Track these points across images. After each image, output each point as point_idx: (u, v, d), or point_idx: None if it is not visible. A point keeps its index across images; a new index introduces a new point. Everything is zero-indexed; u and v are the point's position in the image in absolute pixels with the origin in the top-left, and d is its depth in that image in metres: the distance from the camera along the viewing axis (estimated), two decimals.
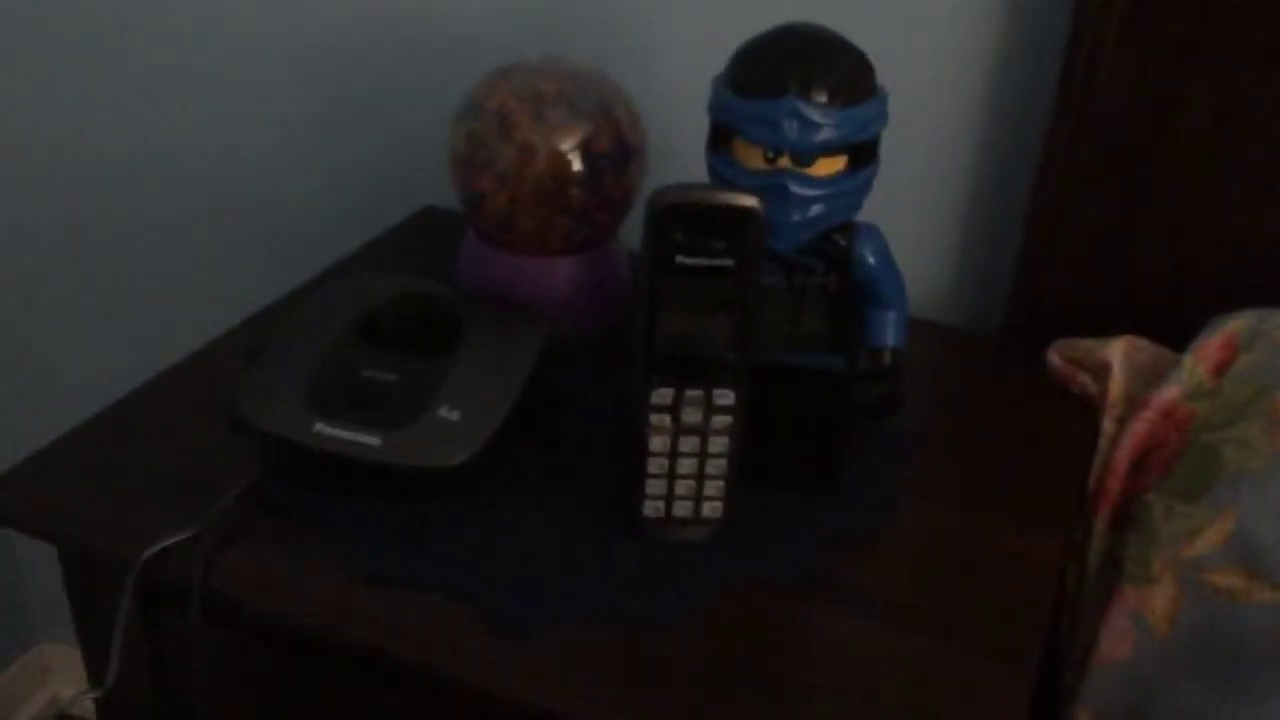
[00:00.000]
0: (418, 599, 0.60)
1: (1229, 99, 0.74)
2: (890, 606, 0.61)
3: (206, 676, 0.63)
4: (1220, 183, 0.77)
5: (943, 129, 0.88)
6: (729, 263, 0.56)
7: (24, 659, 1.49)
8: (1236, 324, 0.73)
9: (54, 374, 1.31)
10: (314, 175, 1.08)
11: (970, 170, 0.89)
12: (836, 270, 0.66)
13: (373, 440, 0.62)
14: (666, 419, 0.59)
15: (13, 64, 1.15)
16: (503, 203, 0.74)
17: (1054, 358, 0.79)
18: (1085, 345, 0.78)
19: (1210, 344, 0.73)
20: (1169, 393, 0.72)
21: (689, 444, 0.60)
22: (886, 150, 0.65)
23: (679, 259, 0.56)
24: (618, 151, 0.74)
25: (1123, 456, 0.73)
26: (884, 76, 0.64)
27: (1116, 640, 0.68)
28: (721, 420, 0.60)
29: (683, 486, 0.61)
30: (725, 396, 0.59)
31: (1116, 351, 0.76)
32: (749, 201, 0.55)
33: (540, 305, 0.74)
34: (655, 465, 0.61)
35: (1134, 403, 0.74)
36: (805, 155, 0.62)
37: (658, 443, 0.60)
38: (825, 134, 0.61)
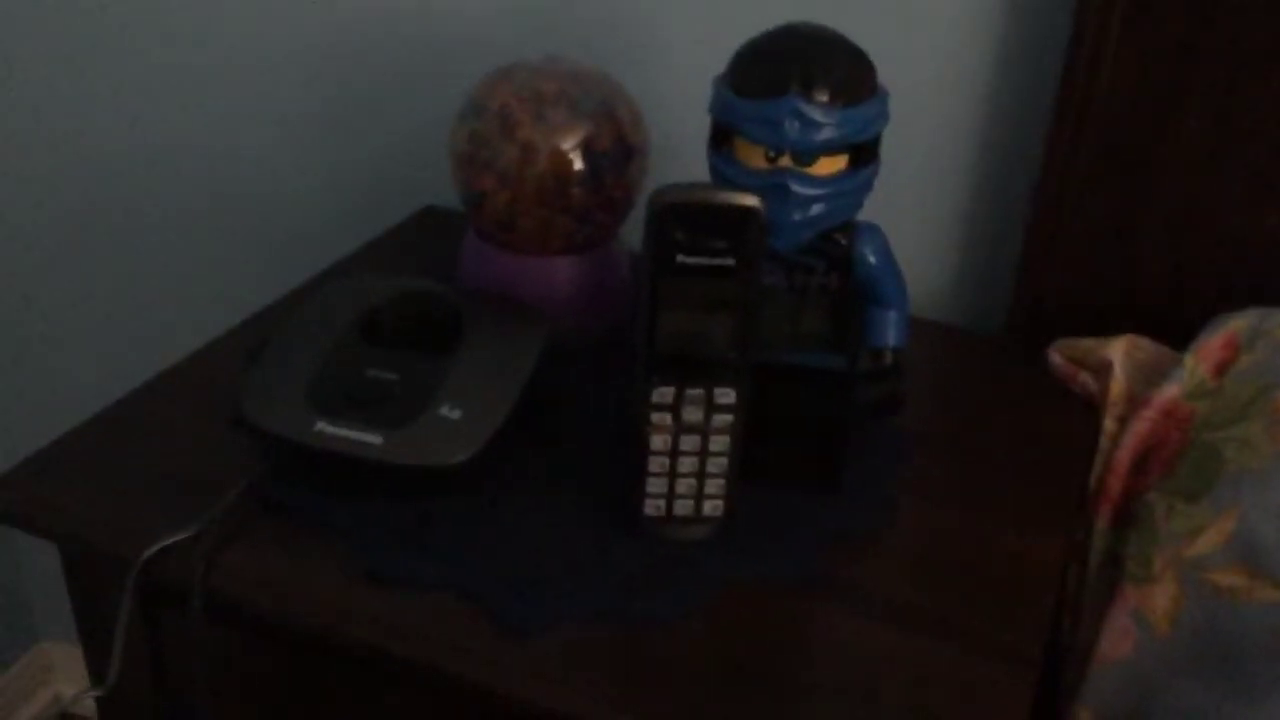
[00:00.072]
0: (419, 598, 0.60)
1: (1229, 99, 0.74)
2: (891, 606, 0.61)
3: (207, 675, 0.63)
4: (1221, 183, 0.76)
5: (943, 128, 0.88)
6: (730, 262, 0.56)
7: (26, 658, 1.49)
8: (1238, 323, 0.73)
9: (54, 374, 1.31)
10: (314, 174, 1.08)
11: (971, 169, 0.89)
12: (837, 270, 0.66)
13: (374, 439, 0.62)
14: (668, 418, 0.60)
15: (12, 64, 1.15)
16: (504, 202, 0.74)
17: (1055, 357, 0.79)
18: (1086, 344, 0.78)
19: (1211, 343, 0.73)
20: (1170, 392, 0.72)
21: (690, 443, 0.60)
22: (887, 149, 0.65)
23: (680, 258, 0.56)
24: (619, 151, 0.74)
25: (1124, 455, 0.73)
26: (885, 76, 0.64)
27: (1117, 639, 0.68)
28: (722, 419, 0.60)
29: (684, 485, 0.61)
30: (726, 395, 0.59)
31: (1118, 350, 0.76)
32: (750, 201, 0.55)
33: (541, 305, 0.74)
34: (656, 464, 0.61)
35: (1135, 402, 0.74)
36: (806, 155, 0.62)
37: (659, 441, 0.60)
38: (826, 133, 0.61)
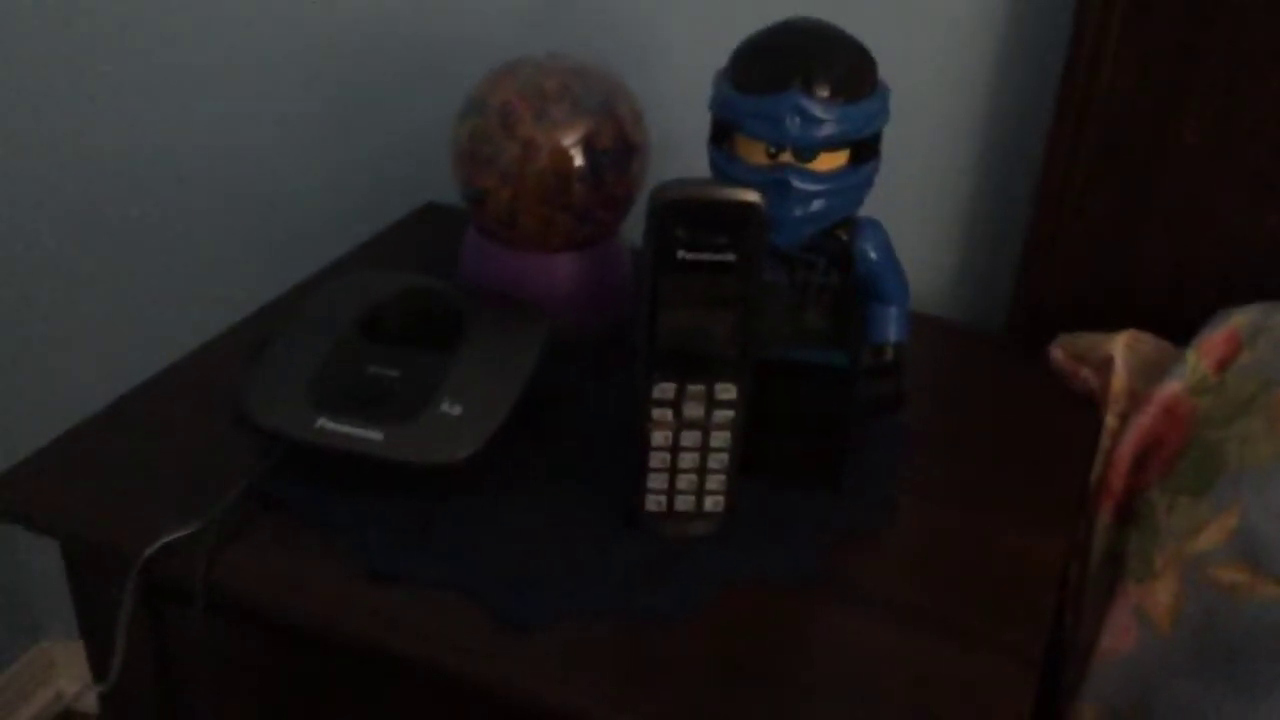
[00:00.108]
0: (420, 595, 0.60)
1: (1229, 99, 0.74)
2: (892, 604, 0.61)
3: (209, 672, 0.63)
4: (1221, 182, 0.76)
5: (945, 125, 0.88)
6: (731, 258, 0.56)
7: (28, 655, 1.49)
8: (1240, 319, 0.73)
9: (55, 373, 1.31)
10: (315, 171, 1.08)
11: (972, 166, 0.89)
12: (838, 266, 0.66)
13: (375, 436, 0.62)
14: (669, 413, 0.59)
15: (12, 63, 1.15)
16: (505, 199, 0.74)
17: (1056, 353, 0.79)
18: (1088, 340, 0.78)
19: (1213, 339, 0.73)
20: (1171, 387, 0.72)
21: (691, 438, 0.60)
22: (888, 146, 0.65)
23: (681, 254, 0.56)
24: (620, 148, 0.74)
25: (1125, 452, 0.73)
26: (886, 72, 0.64)
27: (1119, 636, 0.67)
28: (723, 415, 0.60)
29: (685, 481, 0.61)
30: (727, 391, 0.59)
31: (1119, 346, 0.76)
32: (751, 197, 0.55)
33: (542, 302, 0.74)
34: (657, 460, 0.61)
35: (1136, 398, 0.74)
36: (807, 150, 0.62)
37: (660, 437, 0.60)
38: (827, 129, 0.61)
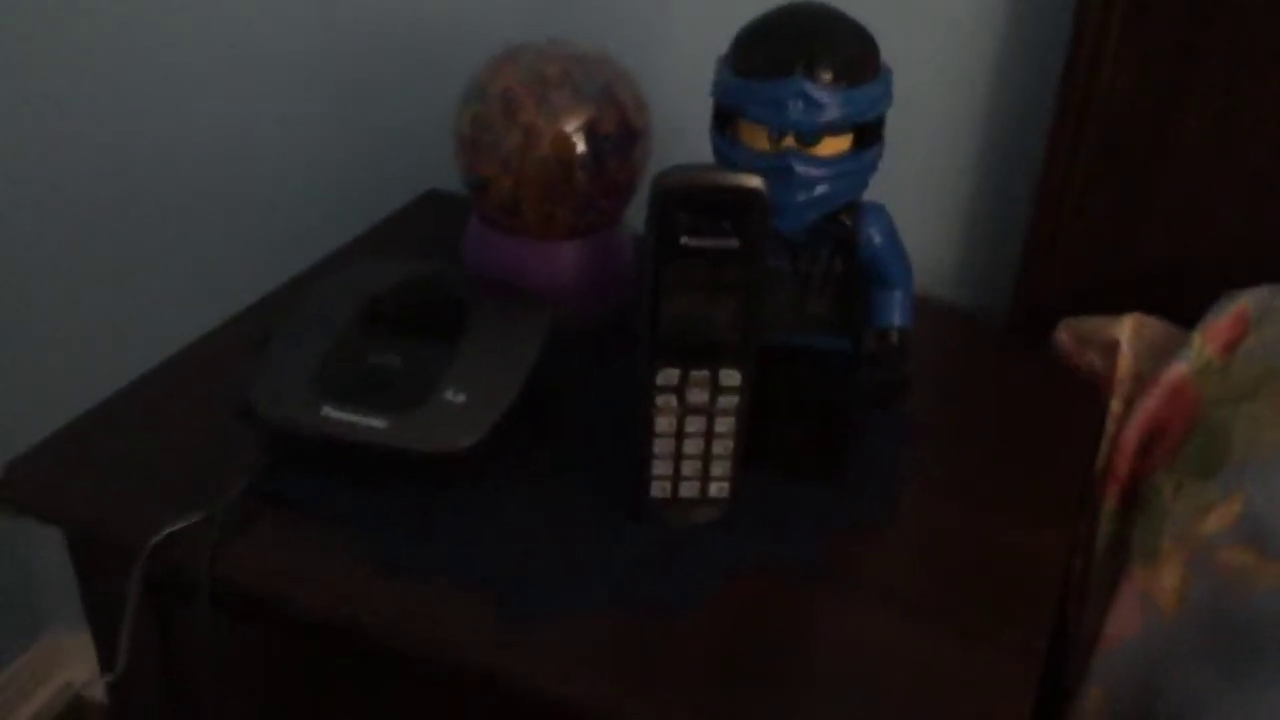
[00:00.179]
0: (425, 585, 0.60)
1: (1230, 99, 0.74)
2: (895, 597, 0.61)
3: (214, 661, 0.63)
4: (1221, 182, 0.76)
5: (949, 108, 0.87)
6: (734, 244, 0.55)
7: (37, 645, 1.50)
8: (1247, 301, 0.73)
9: (58, 364, 1.31)
10: (317, 160, 1.08)
11: (972, 164, 0.88)
12: (842, 251, 0.65)
13: (379, 424, 0.62)
14: (672, 400, 0.59)
15: (12, 60, 1.15)
16: (507, 187, 0.74)
17: (1062, 336, 0.79)
18: (1093, 323, 0.78)
19: (1220, 321, 0.73)
20: (1177, 370, 0.72)
21: (695, 424, 0.60)
22: (892, 130, 0.65)
23: (683, 240, 0.55)
24: (622, 134, 0.74)
25: (1131, 435, 0.72)
26: (889, 55, 0.64)
27: (1125, 621, 0.67)
28: (727, 401, 0.59)
29: (689, 467, 0.61)
30: (731, 377, 0.59)
31: (1125, 329, 0.76)
32: (754, 182, 0.55)
33: (545, 289, 0.73)
34: (661, 446, 0.61)
35: (1142, 381, 0.74)
36: (810, 135, 0.61)
37: (663, 424, 0.60)
38: (830, 114, 0.61)
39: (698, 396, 0.59)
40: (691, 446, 0.61)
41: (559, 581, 0.60)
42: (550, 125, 0.72)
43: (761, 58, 0.61)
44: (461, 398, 0.64)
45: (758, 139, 0.62)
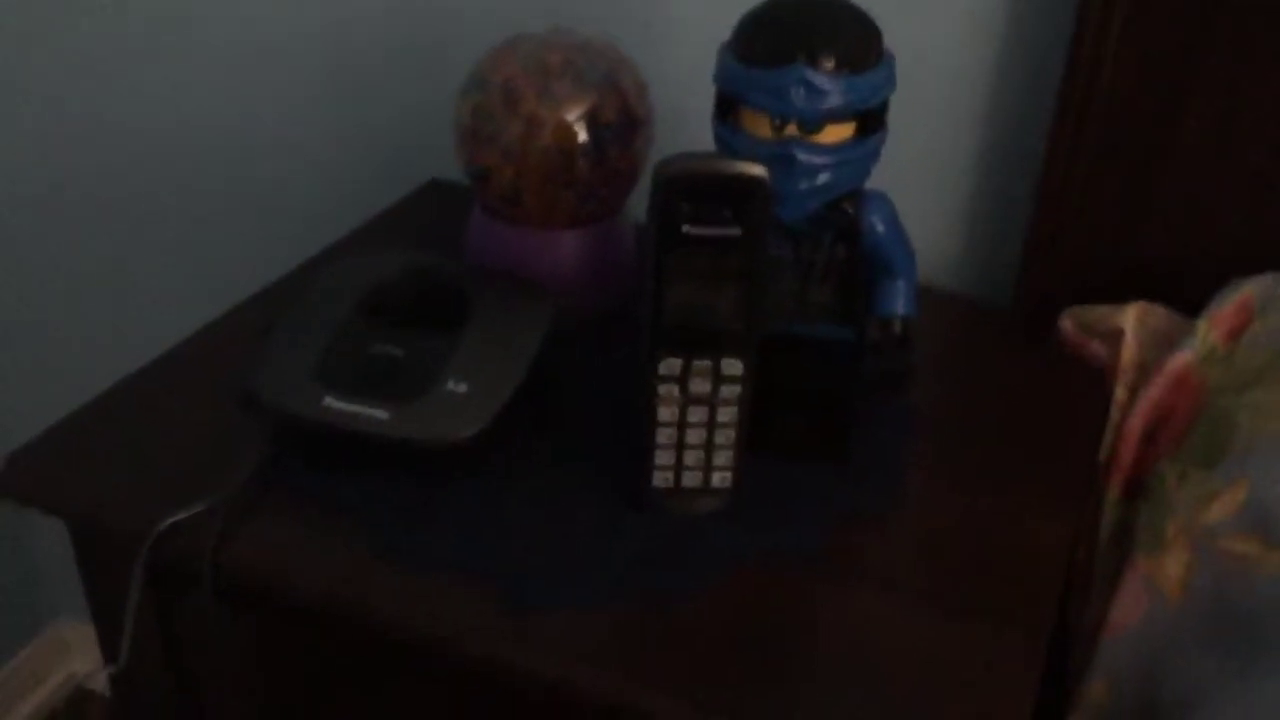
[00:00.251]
0: (427, 576, 0.59)
1: (1231, 100, 0.74)
2: (899, 585, 0.61)
3: (218, 652, 0.63)
4: (1222, 182, 0.76)
5: (952, 95, 0.87)
6: (736, 232, 0.55)
7: (41, 636, 1.50)
8: (1251, 289, 0.73)
9: (62, 353, 1.31)
10: (318, 150, 1.08)
11: (981, 136, 0.88)
12: (845, 239, 0.65)
13: (381, 414, 0.62)
14: (675, 389, 0.59)
15: (12, 60, 1.14)
16: (509, 177, 0.74)
17: (1066, 325, 0.79)
18: (1098, 312, 0.78)
19: (1224, 309, 0.73)
20: (1182, 358, 0.72)
21: (698, 414, 0.60)
22: (895, 117, 0.64)
23: (686, 229, 0.55)
24: (624, 123, 0.74)
25: (1135, 424, 0.72)
26: (892, 40, 0.64)
27: (1129, 609, 0.67)
28: (730, 390, 0.59)
29: (691, 457, 0.61)
30: (733, 366, 0.59)
31: (1129, 317, 0.76)
32: (756, 170, 0.55)
33: (547, 279, 0.73)
34: (664, 436, 0.61)
35: (1146, 370, 0.74)
36: (812, 123, 0.61)
37: (666, 413, 0.60)
38: (833, 101, 0.60)
39: (700, 386, 0.59)
40: (694, 436, 0.61)
41: (561, 572, 0.60)
42: (552, 114, 0.72)
43: (763, 45, 0.61)
44: (463, 388, 0.64)
45: (760, 126, 0.62)
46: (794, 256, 0.65)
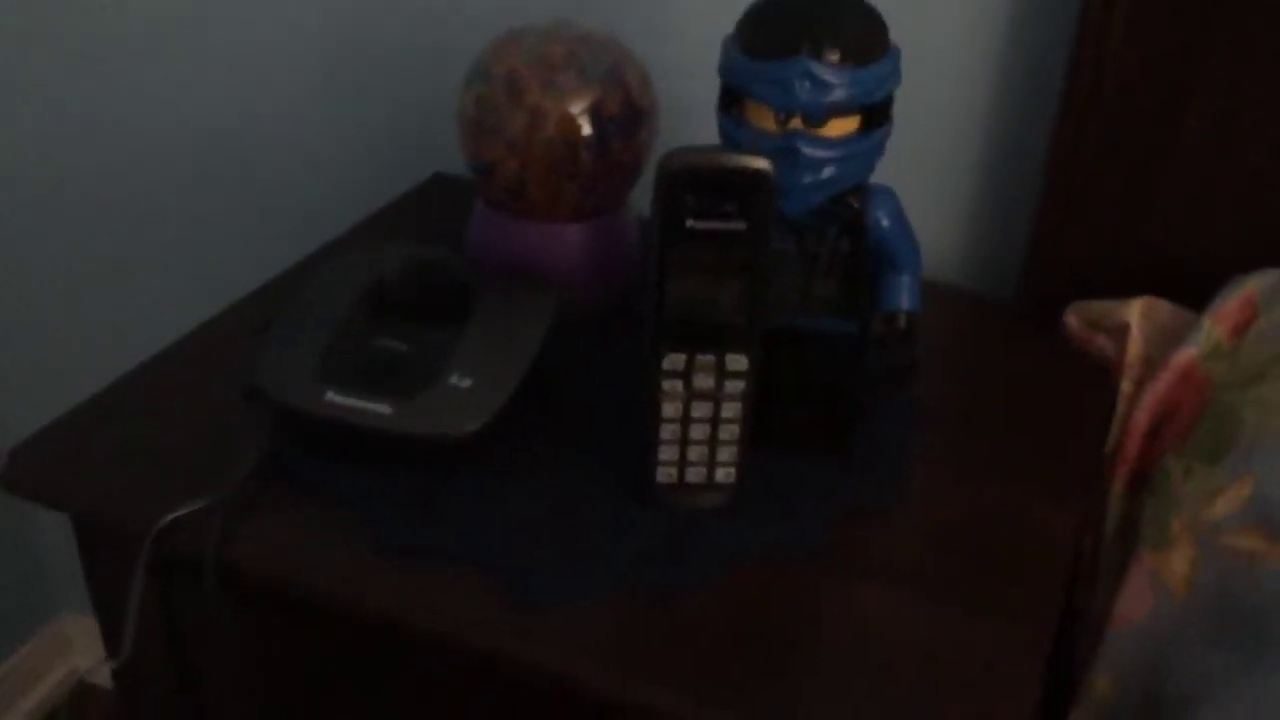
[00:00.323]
0: (431, 570, 0.59)
1: (1233, 100, 0.74)
2: (903, 579, 0.61)
3: (221, 646, 0.63)
4: (1222, 182, 0.76)
5: (955, 92, 0.87)
6: (740, 226, 0.55)
7: (44, 631, 1.50)
8: (1255, 285, 0.73)
9: (64, 347, 1.31)
10: (321, 144, 1.08)
11: (984, 133, 0.88)
12: (849, 233, 0.65)
13: (384, 409, 0.62)
14: (678, 384, 0.59)
15: (12, 60, 1.14)
16: (513, 169, 0.73)
17: (1071, 320, 0.79)
18: (1103, 306, 0.78)
19: (1229, 305, 0.72)
20: (1187, 354, 0.72)
21: (701, 409, 0.60)
22: (900, 111, 0.64)
23: (689, 223, 0.55)
24: (628, 116, 0.73)
25: (1141, 418, 0.72)
26: (898, 32, 0.63)
27: (1134, 604, 0.67)
28: (734, 385, 0.59)
29: (695, 452, 0.61)
30: (737, 361, 0.58)
31: (1134, 312, 0.76)
32: (760, 164, 0.54)
33: (550, 272, 0.73)
34: (668, 431, 0.60)
35: (1152, 365, 0.73)
36: (817, 116, 0.61)
37: (670, 409, 0.60)
38: (837, 94, 0.60)
39: (704, 381, 0.59)
40: (698, 432, 0.60)
41: (564, 567, 0.60)
42: (555, 107, 0.72)
43: (767, 37, 0.61)
44: (467, 382, 0.63)
45: (764, 119, 0.62)
46: (798, 250, 0.65)
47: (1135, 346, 0.75)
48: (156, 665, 0.68)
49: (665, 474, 0.62)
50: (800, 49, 0.60)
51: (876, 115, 0.62)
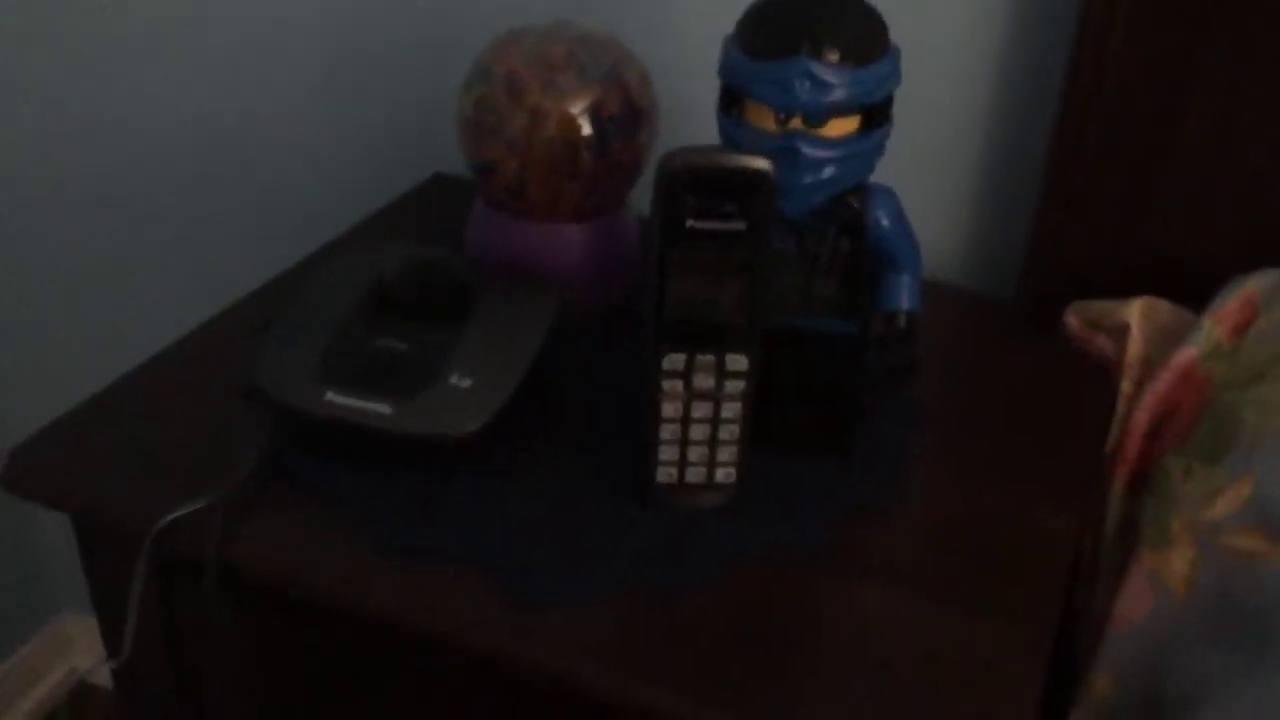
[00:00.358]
0: (432, 569, 0.59)
1: (1233, 100, 0.74)
2: (903, 579, 0.61)
3: (221, 646, 0.63)
4: (1222, 182, 0.76)
5: (955, 92, 0.87)
6: (740, 226, 0.55)
7: (44, 631, 1.50)
8: (1256, 284, 0.73)
9: (65, 351, 1.31)
10: (321, 144, 1.08)
11: (984, 133, 0.88)
12: (849, 233, 0.65)
13: (384, 409, 0.62)
14: (679, 385, 0.59)
15: (12, 60, 1.14)
16: (513, 169, 0.73)
17: (1071, 320, 0.79)
18: (1103, 306, 0.78)
19: (1229, 305, 0.72)
20: (1187, 354, 0.72)
21: (701, 410, 0.60)
22: (900, 110, 0.64)
23: (690, 223, 0.55)
24: (627, 115, 0.73)
25: (1141, 418, 0.72)
26: (898, 32, 0.63)
27: (1134, 604, 0.67)
28: (734, 385, 0.59)
29: (696, 453, 0.61)
30: (737, 362, 0.58)
31: (1134, 312, 0.76)
32: (760, 164, 0.54)
33: (550, 272, 0.73)
34: (668, 431, 0.60)
35: (1152, 365, 0.73)
36: (817, 116, 0.61)
37: (670, 409, 0.60)
38: (837, 94, 0.60)
39: (704, 381, 0.59)
40: (698, 432, 0.60)
41: (564, 567, 0.60)
42: (556, 106, 0.72)
43: (767, 37, 0.61)
44: (467, 382, 0.63)
45: (764, 119, 0.62)
46: (798, 250, 0.65)
47: (1135, 347, 0.75)
48: (156, 665, 0.68)
49: (665, 474, 0.62)
50: (800, 49, 0.60)
51: (877, 115, 0.62)
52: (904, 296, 0.67)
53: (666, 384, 0.59)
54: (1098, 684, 0.68)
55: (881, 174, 0.65)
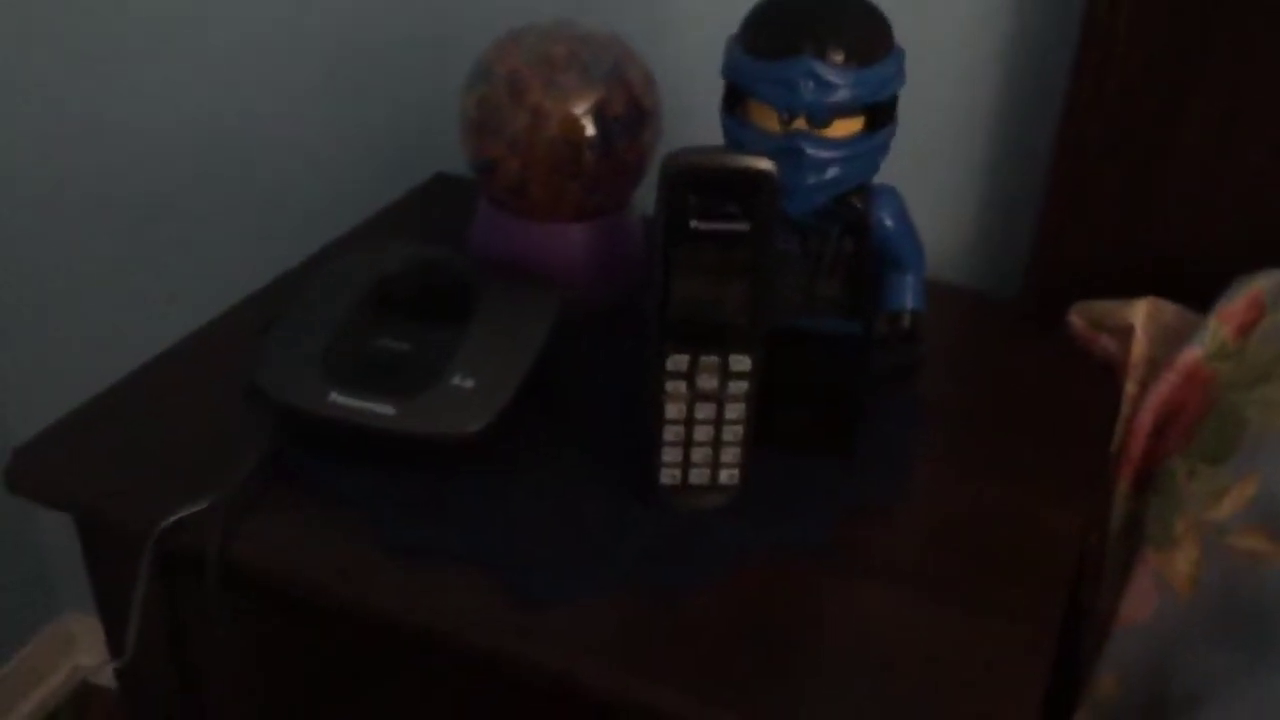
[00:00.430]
0: (434, 569, 0.59)
1: (1236, 101, 0.74)
2: (906, 578, 0.61)
3: (224, 645, 0.63)
4: (1223, 182, 0.76)
5: (958, 92, 0.87)
6: (744, 227, 0.55)
7: (47, 630, 1.50)
8: (1262, 283, 0.72)
9: (66, 351, 1.31)
10: (323, 143, 1.08)
11: (989, 130, 0.88)
12: (853, 234, 0.65)
13: (387, 409, 0.62)
14: (682, 385, 0.59)
15: (12, 60, 1.14)
16: (515, 169, 0.73)
17: (1075, 320, 0.79)
18: (1107, 307, 0.77)
19: (1234, 304, 0.72)
20: (1192, 353, 0.72)
21: (705, 411, 0.60)
22: (904, 110, 0.64)
23: (693, 223, 0.55)
24: (631, 115, 0.73)
25: (1145, 418, 0.72)
26: (901, 31, 0.63)
27: (1139, 604, 0.67)
28: (738, 386, 0.59)
29: (699, 454, 0.61)
30: (741, 362, 0.58)
31: (1139, 313, 0.76)
32: (764, 164, 0.54)
33: (553, 272, 0.73)
34: (671, 432, 0.60)
35: (1157, 365, 0.73)
36: (821, 116, 0.61)
37: (673, 410, 0.60)
38: (841, 94, 0.60)
39: (707, 382, 0.59)
40: (701, 434, 0.60)
41: (567, 566, 0.60)
42: (558, 106, 0.72)
43: (770, 37, 0.61)
44: (469, 382, 0.63)
45: (768, 119, 0.62)
46: (801, 251, 0.65)
47: (1139, 347, 0.75)
48: (159, 665, 0.68)
49: (669, 475, 0.62)
50: (804, 49, 0.60)
51: (880, 115, 0.62)
52: (908, 296, 0.67)
53: (670, 385, 0.59)
54: (1102, 683, 0.68)
55: (884, 173, 0.65)
